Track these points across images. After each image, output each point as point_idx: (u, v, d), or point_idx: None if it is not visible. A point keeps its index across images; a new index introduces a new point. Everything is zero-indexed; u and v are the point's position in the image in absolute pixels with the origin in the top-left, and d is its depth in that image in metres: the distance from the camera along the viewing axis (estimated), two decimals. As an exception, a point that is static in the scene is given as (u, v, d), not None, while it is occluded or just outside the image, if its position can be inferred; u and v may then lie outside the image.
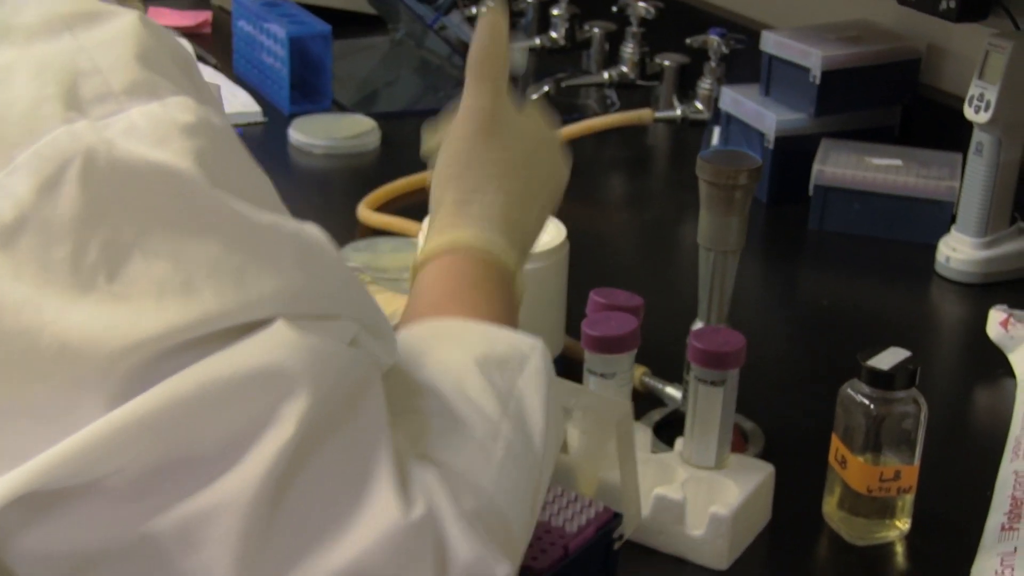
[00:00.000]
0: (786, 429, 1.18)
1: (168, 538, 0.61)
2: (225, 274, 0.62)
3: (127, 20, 0.67)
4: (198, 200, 0.62)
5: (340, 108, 1.92)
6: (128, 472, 0.60)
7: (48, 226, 0.60)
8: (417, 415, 0.72)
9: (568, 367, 1.23)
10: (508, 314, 0.86)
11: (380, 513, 0.63)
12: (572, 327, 1.23)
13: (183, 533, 0.61)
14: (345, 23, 2.07)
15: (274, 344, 0.62)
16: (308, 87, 1.91)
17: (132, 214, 0.61)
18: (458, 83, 2.00)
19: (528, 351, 0.79)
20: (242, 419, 0.61)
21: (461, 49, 2.11)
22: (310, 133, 1.79)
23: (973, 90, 1.43)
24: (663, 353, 1.18)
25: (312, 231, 0.68)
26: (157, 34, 0.68)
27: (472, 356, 0.76)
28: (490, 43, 0.94)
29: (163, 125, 0.63)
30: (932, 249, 1.52)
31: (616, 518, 0.88)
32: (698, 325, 1.13)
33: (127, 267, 0.60)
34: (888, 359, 1.01)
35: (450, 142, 0.93)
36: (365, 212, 1.53)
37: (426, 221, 0.97)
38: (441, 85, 2.08)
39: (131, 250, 0.60)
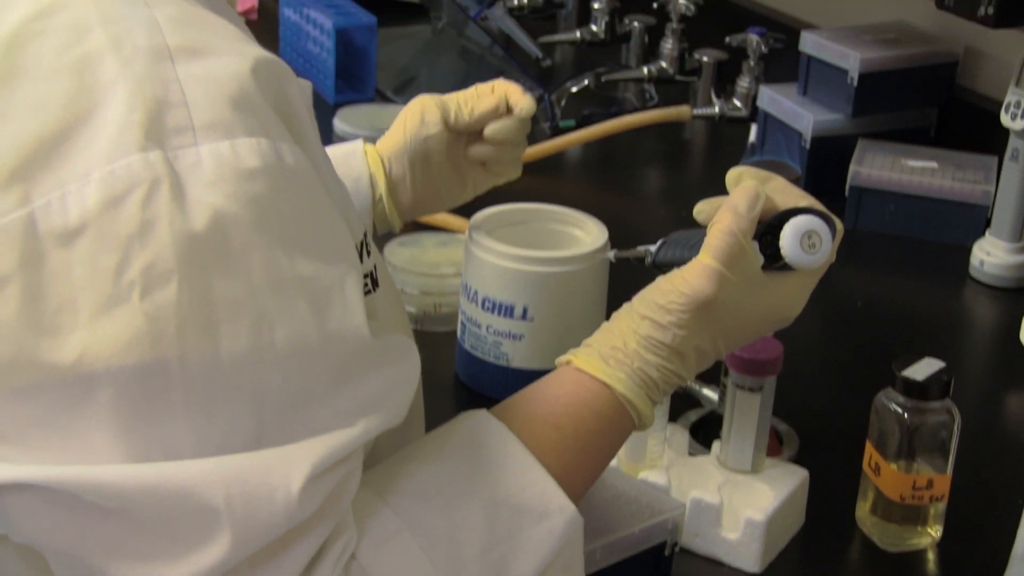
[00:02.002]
0: (820, 431, 1.20)
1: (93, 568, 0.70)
2: (244, 317, 0.68)
3: (234, 62, 0.70)
4: (234, 244, 0.67)
5: (383, 98, 1.95)
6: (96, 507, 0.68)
7: (104, 236, 0.66)
8: (395, 518, 0.76)
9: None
10: (599, 463, 0.88)
11: None
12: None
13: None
14: (388, 10, 2.09)
15: (220, 478, 0.68)
16: (352, 77, 1.94)
17: (176, 245, 0.66)
18: (499, 72, 2.06)
19: (555, 511, 0.80)
20: (173, 534, 0.68)
21: (502, 40, 2.14)
22: (354, 123, 1.81)
23: (1010, 97, 1.45)
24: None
25: (346, 289, 0.72)
26: (264, 79, 0.71)
27: (493, 490, 0.79)
28: (743, 221, 0.89)
29: (225, 166, 0.68)
30: (966, 251, 1.54)
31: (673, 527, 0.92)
32: (736, 330, 1.15)
33: (161, 291, 0.66)
34: (923, 369, 1.04)
35: (672, 286, 0.88)
36: (409, 206, 1.55)
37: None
38: (482, 75, 2.09)
39: (169, 277, 0.66)
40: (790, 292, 0.91)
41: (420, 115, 1.17)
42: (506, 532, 0.78)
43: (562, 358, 0.89)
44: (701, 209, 0.93)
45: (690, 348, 0.88)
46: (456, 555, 0.76)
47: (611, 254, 1.05)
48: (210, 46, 0.71)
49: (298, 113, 0.74)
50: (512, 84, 1.19)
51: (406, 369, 0.78)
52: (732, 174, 0.94)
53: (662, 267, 0.94)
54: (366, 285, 0.83)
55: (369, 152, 1.18)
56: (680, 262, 0.91)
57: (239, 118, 0.69)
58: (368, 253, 0.84)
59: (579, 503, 0.83)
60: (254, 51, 0.72)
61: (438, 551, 0.76)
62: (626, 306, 0.90)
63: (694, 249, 0.91)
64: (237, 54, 0.71)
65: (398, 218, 1.18)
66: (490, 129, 1.17)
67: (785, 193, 0.92)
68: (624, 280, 1.22)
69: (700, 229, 0.93)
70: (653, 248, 0.98)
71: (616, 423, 0.87)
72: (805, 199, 0.92)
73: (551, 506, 0.80)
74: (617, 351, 0.87)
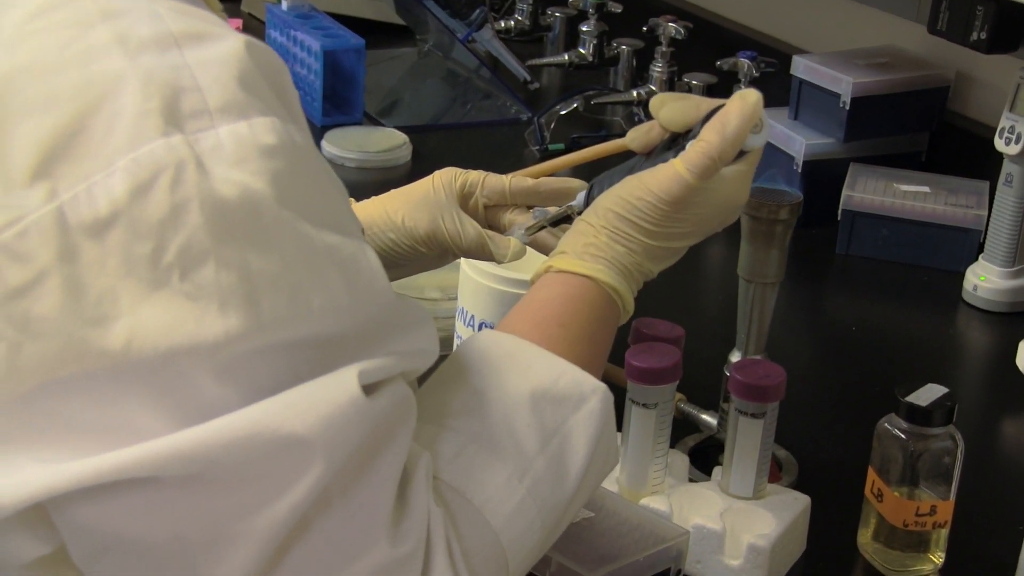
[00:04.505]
0: (819, 457, 1.20)
1: (196, 544, 0.69)
2: (282, 290, 0.68)
3: (232, 44, 0.71)
4: (266, 219, 0.68)
5: (371, 121, 1.94)
6: (177, 481, 0.67)
7: (136, 224, 0.66)
8: (457, 435, 0.80)
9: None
10: (603, 350, 0.93)
11: (371, 552, 0.71)
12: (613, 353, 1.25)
13: (211, 544, 0.69)
14: (374, 33, 2.08)
15: (304, 411, 0.68)
16: (340, 99, 1.93)
17: (209, 224, 0.67)
18: (485, 96, 2.06)
19: (589, 392, 0.84)
20: (264, 475, 0.68)
21: (489, 62, 2.13)
22: (342, 146, 1.81)
23: (1004, 122, 1.45)
24: (698, 379, 1.19)
25: (367, 256, 0.74)
26: (258, 57, 0.72)
27: (531, 387, 0.83)
28: (741, 127, 0.93)
29: (246, 145, 0.69)
30: (959, 276, 1.54)
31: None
32: (736, 356, 1.15)
33: (199, 271, 0.67)
34: (926, 395, 1.03)
35: (641, 183, 0.93)
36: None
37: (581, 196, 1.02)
38: (469, 98, 2.10)
39: (206, 256, 0.67)
40: (739, 180, 0.96)
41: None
42: (554, 423, 0.82)
43: (540, 266, 0.94)
44: (633, 138, 1.00)
45: (653, 240, 0.93)
46: (522, 454, 0.80)
47: (520, 233, 1.06)
48: (209, 31, 0.72)
49: (291, 95, 0.75)
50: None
51: (428, 332, 0.79)
52: (655, 100, 0.99)
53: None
54: None
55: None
56: None
57: (250, 98, 0.70)
58: None
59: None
60: (242, 35, 0.73)
61: (507, 453, 0.79)
62: (592, 206, 0.95)
63: (637, 170, 0.95)
64: (232, 37, 0.72)
65: None
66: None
67: (708, 101, 0.97)
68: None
69: (629, 161, 0.99)
70: (576, 202, 1.02)
71: (608, 312, 0.92)
72: (717, 102, 0.97)
73: (585, 389, 0.84)
74: (590, 246, 0.92)
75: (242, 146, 0.68)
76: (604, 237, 0.93)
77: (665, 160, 0.94)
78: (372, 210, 1.11)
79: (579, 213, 1.00)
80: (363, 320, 0.72)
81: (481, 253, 1.07)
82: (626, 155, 1.03)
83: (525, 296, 0.93)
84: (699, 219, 0.94)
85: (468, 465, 0.79)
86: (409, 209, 1.09)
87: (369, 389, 0.71)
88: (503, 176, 1.12)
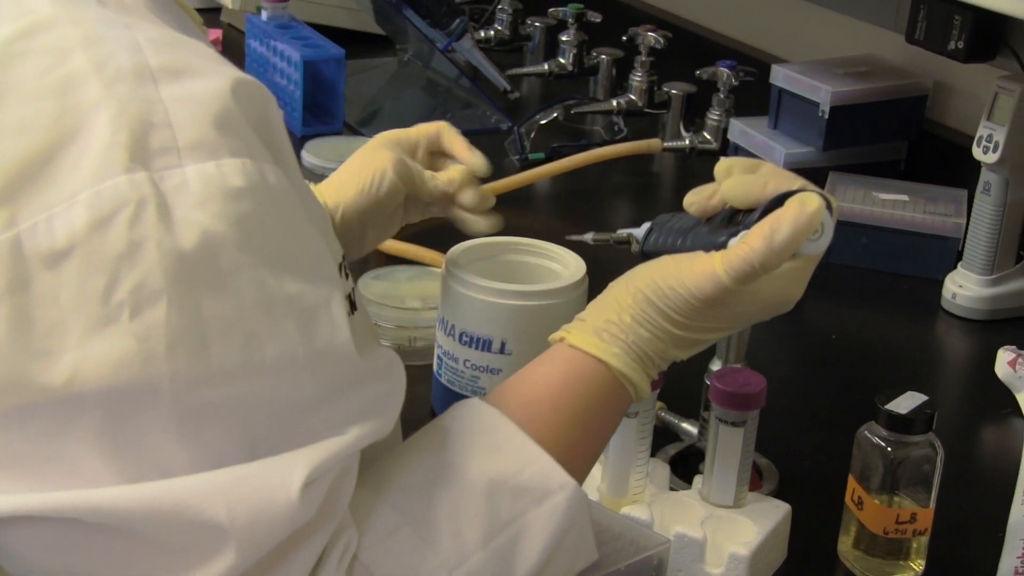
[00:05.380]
0: (799, 465, 1.20)
1: None
2: (234, 336, 0.68)
3: (214, 82, 0.70)
4: (223, 263, 0.68)
5: (352, 131, 1.94)
6: (99, 528, 0.68)
7: (92, 258, 0.66)
8: (395, 514, 0.77)
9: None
10: (600, 438, 0.89)
11: None
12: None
13: None
14: (354, 43, 2.08)
15: (236, 500, 0.68)
16: (320, 109, 1.93)
17: (165, 265, 0.66)
18: (465, 105, 2.06)
19: (556, 488, 0.80)
20: (180, 550, 0.69)
21: (469, 72, 2.13)
22: (323, 156, 1.80)
23: (982, 131, 1.46)
24: (679, 388, 1.19)
25: (332, 308, 0.72)
26: (244, 97, 0.71)
27: (493, 472, 0.79)
28: (791, 238, 0.86)
29: (211, 186, 0.68)
30: (938, 284, 1.55)
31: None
32: (716, 364, 1.15)
33: (151, 311, 0.66)
34: (906, 403, 1.03)
35: (678, 270, 0.88)
36: (381, 239, 1.54)
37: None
38: (449, 107, 2.10)
39: (158, 297, 0.66)
40: (790, 279, 0.89)
41: (378, 178, 1.13)
42: (509, 516, 0.78)
43: (555, 335, 0.89)
44: (692, 201, 0.93)
45: (682, 331, 0.88)
46: (460, 544, 0.76)
47: (589, 236, 1.03)
48: (192, 67, 0.71)
49: (278, 135, 0.74)
50: (457, 138, 1.18)
51: (394, 381, 0.78)
52: (722, 165, 0.92)
53: (651, 255, 0.93)
54: (346, 306, 0.83)
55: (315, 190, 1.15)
56: (675, 250, 0.91)
57: (223, 138, 0.69)
58: (347, 275, 0.84)
59: (583, 482, 0.83)
60: (232, 72, 0.72)
61: (441, 542, 0.76)
62: (623, 278, 0.90)
63: (691, 238, 0.91)
64: (218, 75, 0.71)
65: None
66: (462, 201, 1.16)
67: (778, 176, 0.91)
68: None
69: (688, 219, 0.94)
70: (638, 232, 0.97)
71: (614, 398, 0.88)
72: (797, 180, 0.91)
73: (551, 484, 0.80)
74: (611, 324, 0.87)
75: (207, 187, 0.67)
76: (628, 318, 0.87)
77: (718, 241, 0.89)
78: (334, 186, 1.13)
79: (641, 243, 0.96)
80: (321, 378, 0.71)
81: (448, 194, 1.12)
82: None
83: (530, 365, 0.88)
84: (736, 317, 0.89)
85: (396, 550, 0.76)
86: (367, 164, 1.12)
87: (310, 480, 0.70)
88: (432, 124, 1.16)
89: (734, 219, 0.90)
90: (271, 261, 0.69)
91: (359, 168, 1.14)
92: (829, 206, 0.89)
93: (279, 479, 0.69)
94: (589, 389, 0.86)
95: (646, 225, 0.97)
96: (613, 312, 0.88)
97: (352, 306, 0.84)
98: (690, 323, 0.88)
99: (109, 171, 0.66)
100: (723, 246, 0.88)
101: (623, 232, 0.98)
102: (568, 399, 0.85)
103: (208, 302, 0.67)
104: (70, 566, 0.69)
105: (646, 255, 0.95)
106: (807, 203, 0.87)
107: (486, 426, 0.82)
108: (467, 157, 1.16)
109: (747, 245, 0.86)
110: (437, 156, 1.19)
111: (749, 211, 0.89)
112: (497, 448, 0.81)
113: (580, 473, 0.84)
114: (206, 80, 0.70)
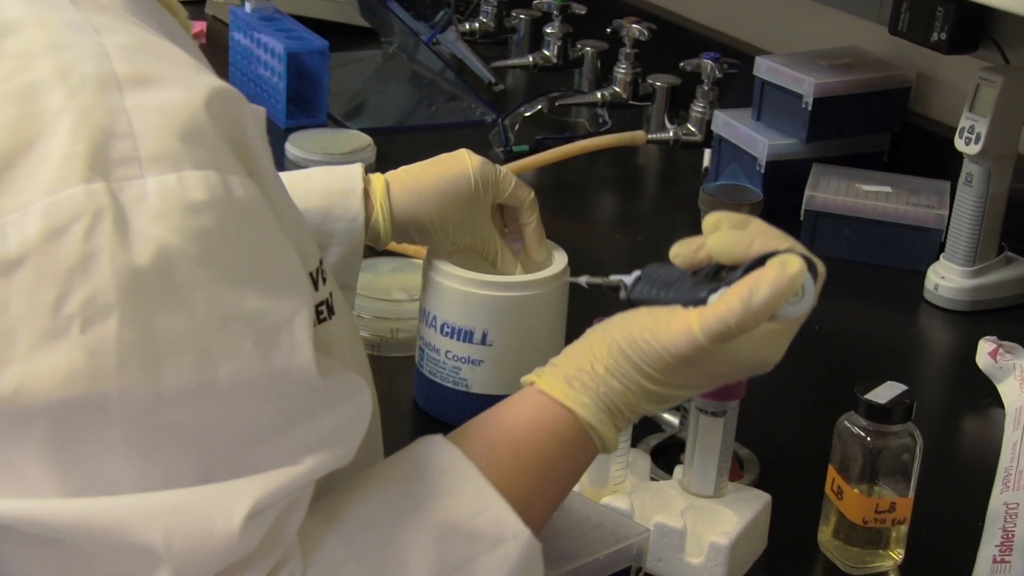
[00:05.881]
0: (780, 455, 1.20)
1: None
2: (187, 354, 0.67)
3: (183, 92, 0.69)
4: (179, 278, 0.66)
5: (335, 123, 1.94)
6: (35, 539, 0.67)
7: (44, 269, 0.65)
8: (344, 548, 0.75)
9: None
10: (561, 487, 0.86)
11: None
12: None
13: None
14: (338, 35, 2.08)
15: (174, 527, 0.67)
16: (304, 101, 1.93)
17: (118, 279, 0.65)
18: (450, 98, 2.06)
19: (509, 536, 0.79)
20: (113, 569, 0.68)
21: (454, 64, 2.13)
22: (306, 148, 1.80)
23: (964, 122, 1.46)
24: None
25: (294, 327, 0.70)
26: (219, 108, 0.70)
27: (446, 515, 0.78)
28: (769, 301, 0.82)
29: (171, 199, 0.66)
30: (920, 276, 1.55)
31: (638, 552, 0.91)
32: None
33: (101, 325, 0.65)
34: (885, 393, 1.03)
35: (654, 324, 0.84)
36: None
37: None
38: (433, 99, 2.10)
39: (110, 311, 0.65)
40: (768, 341, 0.86)
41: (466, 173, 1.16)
42: (458, 560, 0.77)
43: (527, 377, 0.87)
44: (677, 253, 0.89)
45: (655, 386, 0.85)
46: None
47: (583, 279, 1.01)
48: (161, 76, 0.69)
49: (252, 144, 0.73)
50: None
51: (356, 408, 0.76)
52: (710, 219, 0.88)
53: (635, 305, 0.90)
54: (320, 314, 0.82)
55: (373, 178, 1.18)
56: (658, 302, 0.88)
57: (187, 150, 0.68)
58: (324, 281, 0.83)
59: (542, 530, 0.81)
60: (208, 81, 0.71)
61: None
62: (600, 327, 0.88)
63: (674, 291, 0.88)
64: (188, 85, 0.70)
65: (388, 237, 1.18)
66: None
67: (766, 235, 0.87)
68: (584, 305, 1.22)
69: (675, 269, 0.90)
70: (627, 279, 0.93)
71: (578, 448, 0.85)
72: (785, 241, 0.88)
73: (506, 532, 0.79)
74: (583, 373, 0.85)
75: (167, 200, 0.66)
76: (602, 368, 0.85)
77: (698, 297, 0.85)
78: (404, 200, 1.15)
79: (628, 291, 0.92)
80: (279, 402, 0.70)
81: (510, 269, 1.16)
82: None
83: (499, 405, 0.86)
84: (712, 376, 0.86)
85: None
86: (449, 211, 1.14)
87: (254, 512, 0.69)
88: (526, 189, 1.19)
89: (718, 275, 0.88)
90: (231, 277, 0.68)
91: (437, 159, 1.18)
92: (813, 269, 0.87)
93: (222, 509, 0.67)
94: (553, 437, 0.84)
95: (636, 273, 0.93)
96: (587, 361, 0.85)
97: (330, 311, 0.83)
98: (663, 379, 0.84)
99: (66, 181, 0.65)
100: (703, 302, 0.85)
101: (615, 278, 0.94)
102: (531, 446, 0.83)
103: (161, 318, 0.66)
104: (11, 569, 0.69)
105: (631, 304, 0.91)
106: (788, 265, 0.83)
107: (446, 467, 0.81)
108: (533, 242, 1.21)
109: (724, 304, 0.83)
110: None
111: (734, 267, 0.87)
112: (454, 490, 0.79)
113: (537, 522, 0.82)
114: (174, 90, 0.69)
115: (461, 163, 1.16)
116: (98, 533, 0.66)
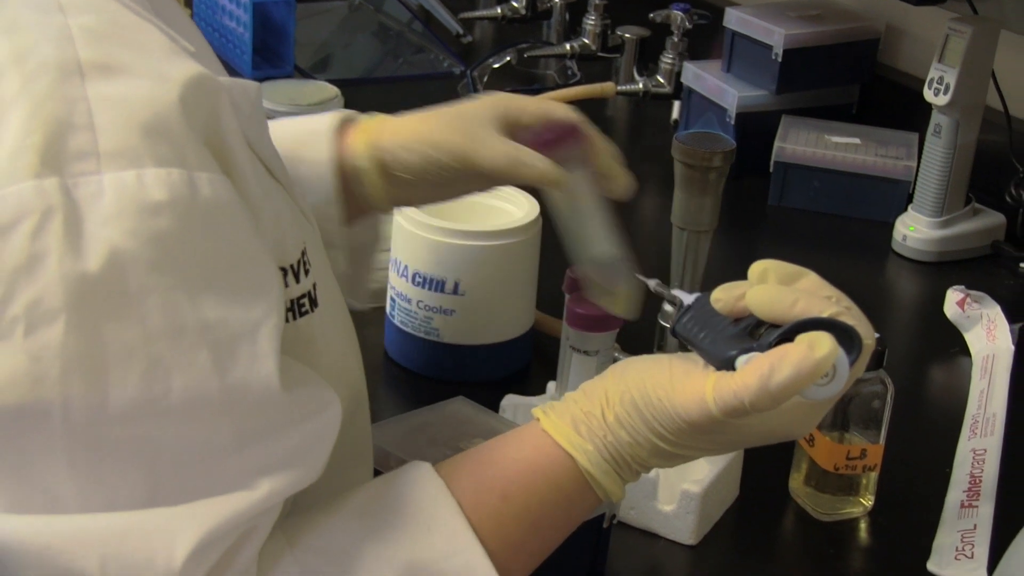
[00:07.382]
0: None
1: None
2: (136, 364, 0.63)
3: (150, 87, 0.64)
4: (130, 284, 0.62)
5: (302, 74, 1.92)
6: None
7: None
8: (297, 571, 0.71)
9: (541, 342, 1.26)
10: (550, 538, 0.81)
11: None
12: (540, 302, 1.25)
13: None
14: (305, -14, 2.06)
15: (111, 556, 0.63)
16: (270, 52, 1.92)
17: (65, 282, 0.61)
18: (418, 50, 2.04)
19: None
20: None
21: (421, 15, 2.12)
22: (274, 99, 1.78)
23: (933, 73, 1.46)
24: (633, 328, 1.19)
25: (258, 338, 0.66)
26: (191, 104, 0.65)
27: (414, 554, 0.73)
28: (789, 384, 0.74)
29: (127, 199, 0.62)
30: (889, 227, 1.56)
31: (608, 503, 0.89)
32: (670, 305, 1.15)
33: (46, 330, 0.61)
34: (856, 341, 1.04)
35: (671, 383, 0.78)
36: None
37: None
38: (401, 51, 2.09)
39: (55, 316, 0.61)
40: (791, 419, 0.79)
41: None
42: None
43: (535, 410, 0.82)
44: (719, 298, 0.80)
45: (665, 444, 0.79)
46: None
47: (653, 283, 0.93)
48: (128, 64, 0.65)
49: (228, 138, 0.68)
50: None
51: (323, 424, 0.72)
52: (757, 267, 0.81)
53: (678, 336, 0.84)
54: (302, 307, 0.76)
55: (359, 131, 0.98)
56: (694, 345, 0.82)
57: (149, 146, 0.63)
58: (307, 272, 0.77)
59: None
60: (183, 70, 0.66)
61: None
62: (620, 367, 0.81)
63: (710, 338, 0.80)
64: (158, 75, 0.65)
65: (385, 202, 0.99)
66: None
67: (811, 296, 0.78)
68: (557, 257, 1.21)
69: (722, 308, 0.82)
70: (687, 299, 0.85)
71: (576, 498, 0.80)
72: (832, 307, 0.78)
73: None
74: (592, 418, 0.79)
75: (123, 199, 0.62)
76: (612, 417, 0.79)
77: (727, 355, 0.77)
78: (410, 124, 0.96)
79: (675, 321, 0.83)
80: (236, 419, 0.66)
81: (513, 176, 0.94)
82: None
83: (499, 439, 0.81)
84: (728, 444, 0.80)
85: None
86: (442, 125, 0.95)
87: (201, 547, 0.65)
88: (554, 104, 1.01)
89: (756, 331, 0.79)
90: (189, 283, 0.64)
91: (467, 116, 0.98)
92: (851, 346, 0.77)
93: (164, 540, 0.64)
94: (548, 483, 0.78)
95: (694, 296, 0.85)
96: (597, 405, 0.79)
97: (312, 303, 0.77)
98: (676, 440, 0.78)
99: (15, 176, 0.61)
100: (731, 363, 0.77)
101: (678, 294, 0.86)
102: (523, 492, 0.78)
103: (110, 327, 0.62)
104: None
105: (674, 333, 0.84)
106: (817, 347, 0.74)
107: (426, 501, 0.76)
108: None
109: (742, 379, 0.75)
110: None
111: (776, 325, 0.78)
112: (430, 528, 0.75)
113: (518, 572, 0.78)
114: (143, 81, 0.64)
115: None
116: (31, 554, 0.63)
